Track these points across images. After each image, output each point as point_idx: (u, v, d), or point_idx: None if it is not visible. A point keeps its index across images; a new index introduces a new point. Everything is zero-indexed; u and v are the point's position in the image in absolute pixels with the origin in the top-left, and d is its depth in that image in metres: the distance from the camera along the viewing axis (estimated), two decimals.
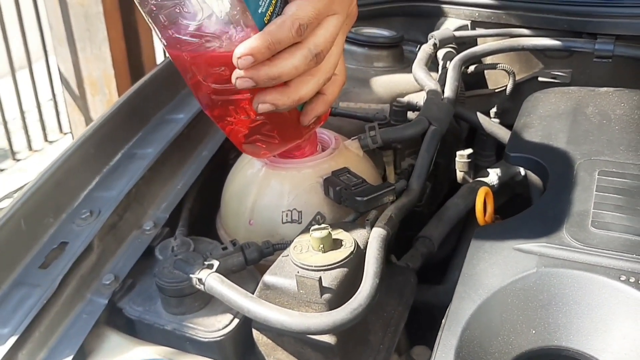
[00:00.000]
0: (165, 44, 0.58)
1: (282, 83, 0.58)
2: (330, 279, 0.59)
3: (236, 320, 0.65)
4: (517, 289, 0.59)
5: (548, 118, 0.83)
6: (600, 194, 0.67)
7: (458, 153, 0.99)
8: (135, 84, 0.98)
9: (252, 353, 0.64)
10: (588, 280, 0.58)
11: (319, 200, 0.73)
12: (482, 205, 0.76)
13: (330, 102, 0.66)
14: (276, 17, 0.56)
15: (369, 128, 0.81)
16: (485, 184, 0.91)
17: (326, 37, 0.58)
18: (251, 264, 0.67)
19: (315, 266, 0.59)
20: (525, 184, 0.91)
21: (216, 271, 0.63)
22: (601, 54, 0.99)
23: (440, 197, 1.01)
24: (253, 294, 0.61)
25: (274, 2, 0.56)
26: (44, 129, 3.11)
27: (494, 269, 0.61)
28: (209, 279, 0.62)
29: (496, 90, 1.12)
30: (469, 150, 0.99)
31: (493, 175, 0.94)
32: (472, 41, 1.10)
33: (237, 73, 0.56)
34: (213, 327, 0.64)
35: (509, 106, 1.07)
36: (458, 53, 1.04)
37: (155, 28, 0.57)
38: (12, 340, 0.62)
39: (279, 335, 0.61)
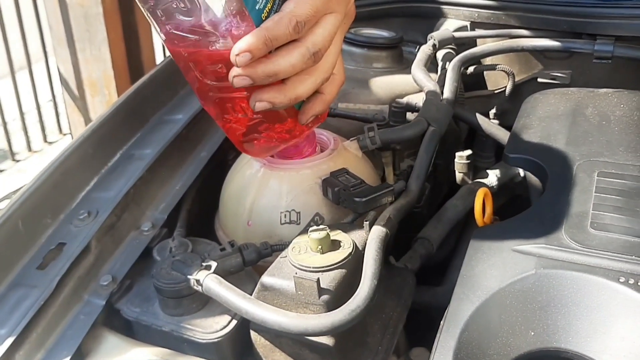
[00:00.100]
0: (164, 38, 0.58)
1: (279, 81, 0.58)
2: (329, 280, 0.59)
3: (234, 322, 0.65)
4: (515, 290, 0.59)
5: (547, 119, 0.83)
6: (600, 195, 0.67)
7: (457, 154, 0.99)
8: (134, 84, 0.98)
9: (250, 354, 0.64)
10: (587, 282, 0.58)
11: (318, 201, 0.73)
12: (481, 206, 0.76)
13: (329, 102, 0.65)
14: (274, 14, 0.56)
15: (368, 129, 0.81)
16: (485, 185, 0.91)
17: (324, 35, 0.58)
18: (249, 265, 0.67)
19: (313, 267, 0.59)
20: (525, 185, 0.91)
21: (214, 272, 0.63)
22: (601, 54, 0.98)
23: (439, 198, 1.01)
24: (251, 295, 0.61)
25: None
26: (43, 130, 3.10)
27: (492, 271, 0.61)
28: (207, 280, 0.62)
29: (495, 91, 1.12)
30: (468, 152, 0.99)
31: (492, 177, 0.94)
32: (471, 42, 1.10)
33: (234, 72, 0.56)
34: (211, 328, 0.64)
35: (509, 107, 1.07)
36: (457, 54, 1.04)
37: (154, 22, 0.57)
38: (9, 341, 0.62)
39: (277, 337, 0.61)
